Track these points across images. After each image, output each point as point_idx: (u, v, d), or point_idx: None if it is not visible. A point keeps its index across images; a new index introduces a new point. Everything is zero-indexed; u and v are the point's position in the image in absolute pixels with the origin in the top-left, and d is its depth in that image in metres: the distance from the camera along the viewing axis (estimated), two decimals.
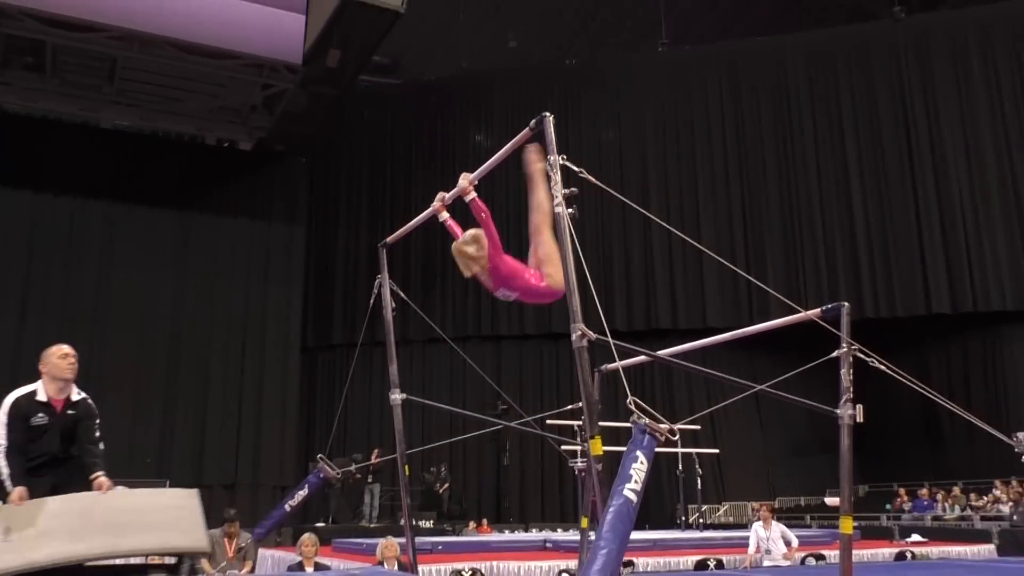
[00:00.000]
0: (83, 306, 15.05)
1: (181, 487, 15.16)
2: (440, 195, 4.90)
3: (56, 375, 4.51)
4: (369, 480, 14.14)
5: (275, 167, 17.09)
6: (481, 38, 21.09)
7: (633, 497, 2.91)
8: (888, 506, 15.35)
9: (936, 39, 16.96)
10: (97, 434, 4.60)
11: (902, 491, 15.39)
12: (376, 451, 13.27)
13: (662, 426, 3.12)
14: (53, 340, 14.80)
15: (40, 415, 4.41)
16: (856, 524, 13.31)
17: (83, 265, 15.19)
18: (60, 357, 4.55)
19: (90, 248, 15.31)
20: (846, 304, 4.40)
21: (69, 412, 4.51)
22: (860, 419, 4.36)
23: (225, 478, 15.58)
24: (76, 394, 4.60)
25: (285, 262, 16.89)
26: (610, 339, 3.50)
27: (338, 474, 6.58)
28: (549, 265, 4.45)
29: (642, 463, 2.99)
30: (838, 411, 4.30)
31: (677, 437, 3.27)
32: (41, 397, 4.48)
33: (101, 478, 4.33)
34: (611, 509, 2.88)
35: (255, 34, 13.20)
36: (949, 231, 16.07)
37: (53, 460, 4.43)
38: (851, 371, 4.34)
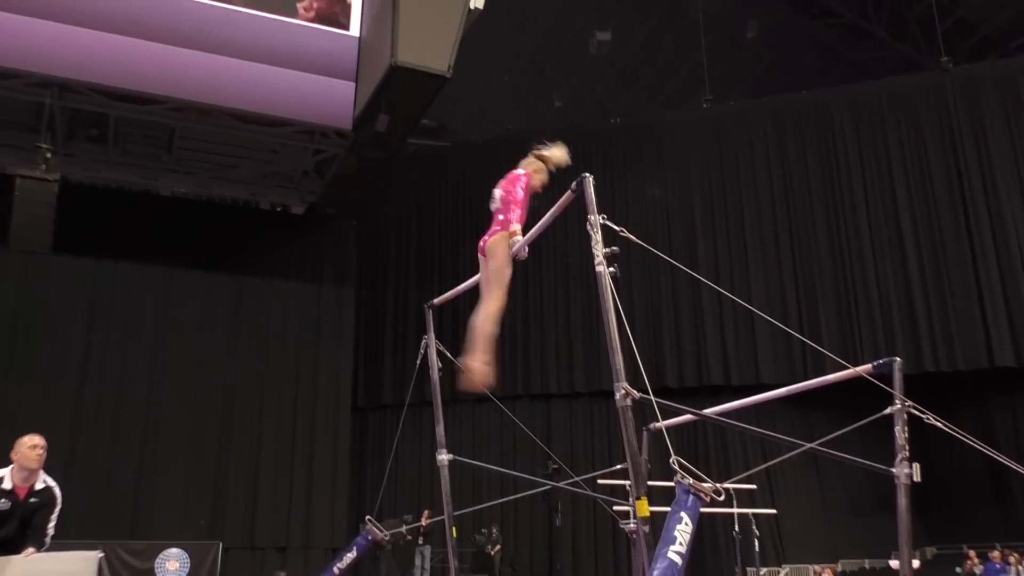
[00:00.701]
0: (140, 369, 15.38)
1: (234, 549, 15.13)
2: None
3: (24, 464, 4.81)
4: (420, 542, 14.03)
5: (326, 230, 17.44)
6: (526, 100, 21.48)
7: (678, 560, 2.85)
8: (958, 569, 14.74)
9: (985, 88, 16.78)
10: (51, 524, 4.91)
11: (972, 553, 14.76)
12: (426, 512, 13.21)
13: (706, 486, 3.06)
14: (112, 404, 15.19)
15: (3, 500, 4.60)
16: None
17: (141, 329, 15.57)
18: (30, 448, 4.88)
19: (148, 312, 15.69)
20: (898, 360, 4.30)
21: (31, 500, 4.77)
22: (918, 478, 4.25)
23: (277, 539, 15.61)
24: (41, 482, 4.88)
25: (336, 323, 17.12)
26: (652, 398, 3.47)
27: (387, 536, 6.56)
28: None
29: (687, 524, 2.94)
30: (894, 470, 4.18)
31: (723, 497, 3.21)
32: (7, 485, 4.79)
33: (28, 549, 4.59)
34: (656, 572, 2.82)
35: (307, 101, 13.60)
36: (1008, 281, 15.67)
37: (6, 541, 4.68)
38: (906, 428, 4.22)
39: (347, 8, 13.75)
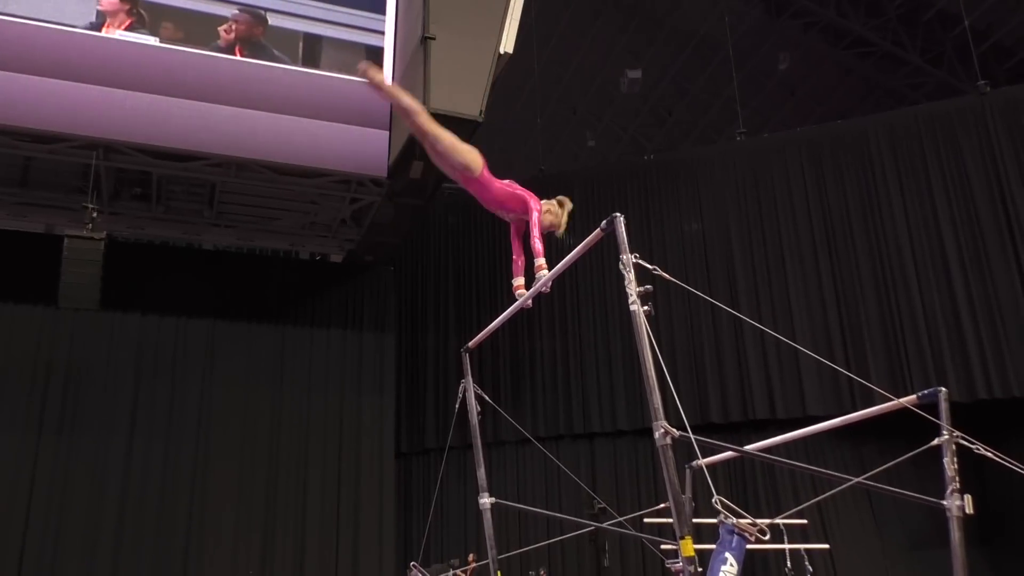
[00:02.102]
0: (187, 422, 15.59)
1: None
2: (519, 286, 5.14)
3: None
4: None
5: (364, 277, 17.64)
6: (559, 140, 21.67)
7: None
8: None
9: None
10: None
11: None
12: (472, 556, 13.11)
13: (745, 522, 3.02)
14: (161, 458, 15.51)
15: None
16: None
17: (186, 383, 15.81)
18: None
19: (193, 366, 15.94)
20: (943, 389, 4.21)
21: None
22: (970, 510, 4.12)
23: None
24: None
25: (377, 369, 17.22)
26: (692, 436, 3.44)
27: None
28: (458, 158, 5.08)
29: (732, 565, 2.89)
30: (945, 502, 4.08)
31: (768, 536, 3.15)
32: None
33: None
34: None
35: (342, 151, 13.86)
36: None
37: None
38: (955, 459, 4.13)
39: (265, 28, 13.86)
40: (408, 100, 5.23)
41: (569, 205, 5.34)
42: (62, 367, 15.10)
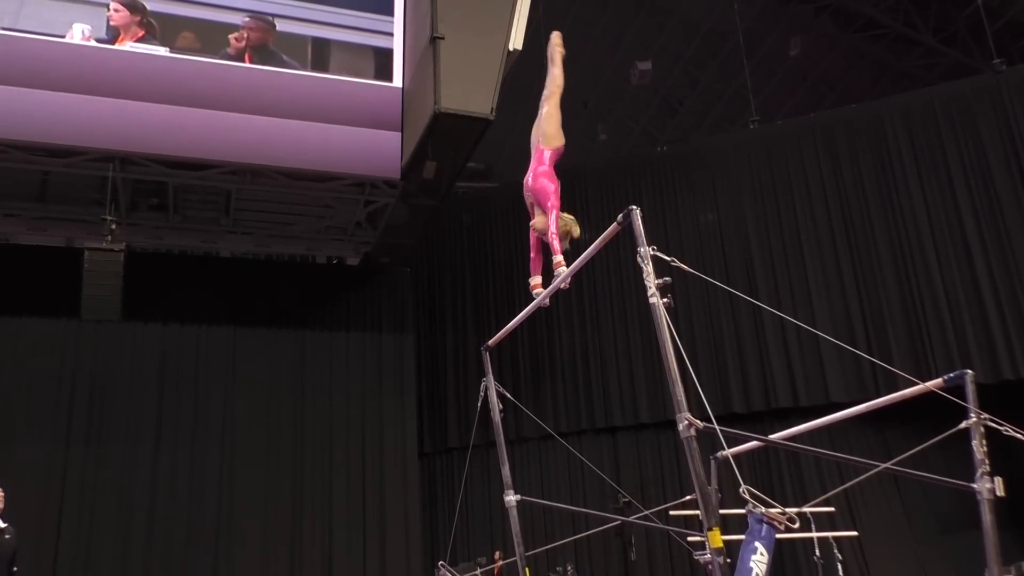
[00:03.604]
0: (212, 430, 15.68)
1: None
2: (535, 284, 5.26)
3: None
4: None
5: (381, 279, 17.68)
6: (571, 134, 21.55)
7: None
8: None
9: None
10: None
11: None
12: (498, 554, 13.13)
13: (775, 511, 3.00)
14: (187, 465, 15.63)
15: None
16: None
17: (209, 390, 15.90)
18: None
19: (216, 373, 16.03)
20: (969, 372, 4.18)
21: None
22: (1001, 492, 4.08)
23: None
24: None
25: (397, 371, 17.26)
26: (717, 426, 3.43)
27: None
28: (549, 127, 5.74)
29: (762, 555, 2.88)
30: (975, 485, 4.04)
31: (797, 524, 3.13)
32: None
33: None
34: None
35: (355, 154, 13.89)
36: None
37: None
38: (983, 442, 4.09)
39: (274, 34, 13.86)
40: (557, 71, 6.23)
41: (574, 231, 5.67)
42: (87, 379, 15.23)
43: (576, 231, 5.63)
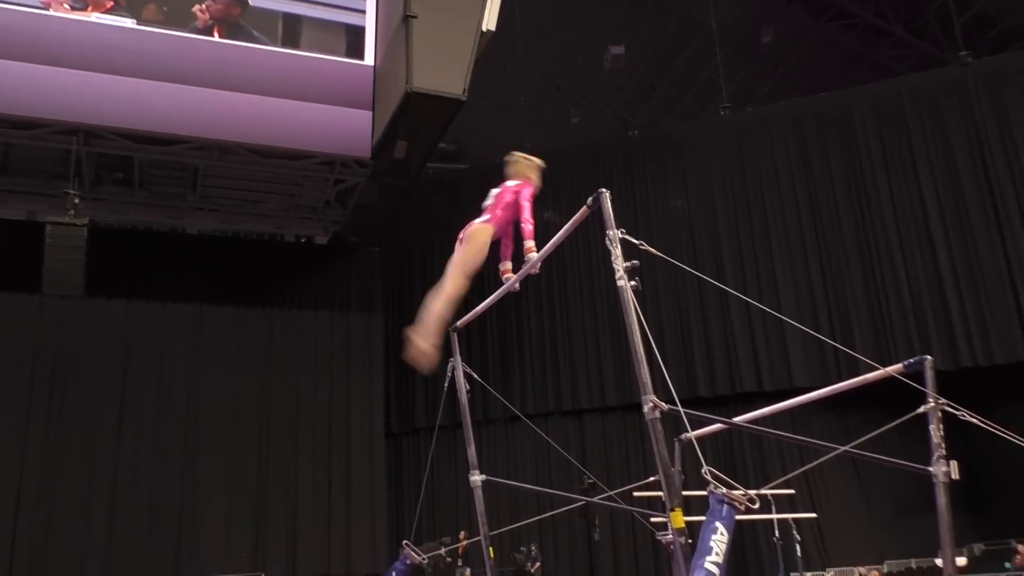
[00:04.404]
0: (176, 407, 15.57)
1: None
2: (506, 270, 5.13)
3: None
4: (460, 564, 14.01)
5: (350, 259, 17.60)
6: (544, 118, 21.58)
7: (715, 570, 2.85)
8: (1008, 564, 14.43)
9: (1008, 80, 16.57)
10: None
11: (1021, 548, 14.46)
12: (463, 533, 13.19)
13: (739, 494, 3.05)
14: (151, 442, 15.51)
15: None
16: None
17: (175, 367, 15.77)
18: None
19: (181, 350, 15.90)
20: (929, 358, 4.26)
21: None
22: (956, 476, 4.18)
23: (319, 568, 15.67)
24: None
25: (365, 350, 17.22)
26: (681, 409, 3.47)
27: (424, 559, 6.57)
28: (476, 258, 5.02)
29: (722, 534, 2.93)
30: (931, 469, 4.14)
31: (757, 505, 3.19)
32: None
33: None
34: None
35: (325, 133, 13.76)
36: None
37: None
38: (941, 426, 4.18)
39: (245, 10, 13.63)
40: (439, 308, 5.51)
41: (534, 160, 5.38)
42: (49, 354, 15.04)
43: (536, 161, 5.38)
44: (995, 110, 16.48)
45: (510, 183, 5.24)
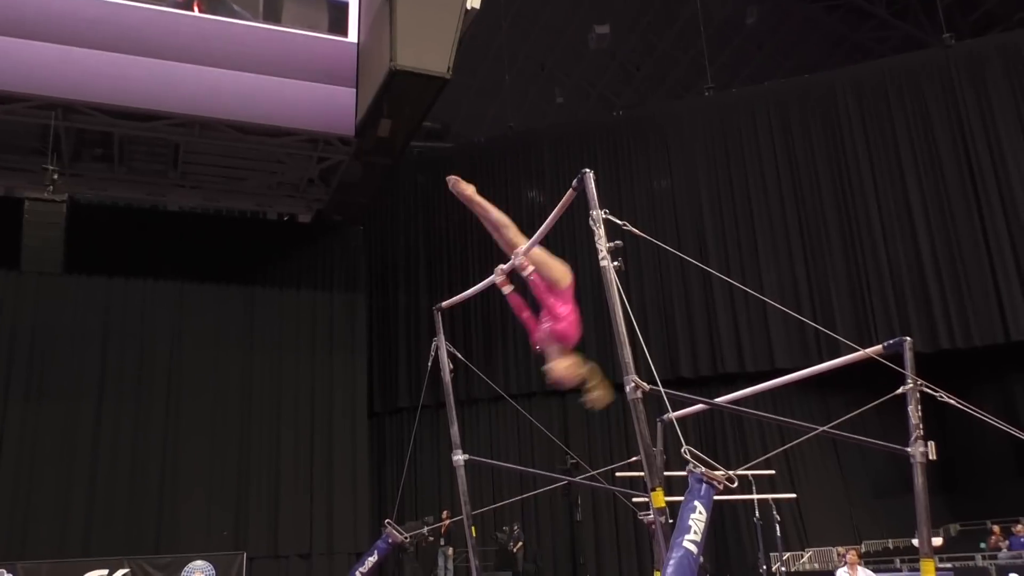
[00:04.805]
0: (157, 385, 15.49)
1: (258, 558, 15.27)
2: (499, 269, 5.02)
3: None
4: (442, 543, 14.07)
5: (334, 237, 17.51)
6: (528, 97, 21.49)
7: (694, 548, 2.87)
8: (983, 545, 14.65)
9: (990, 62, 16.65)
10: None
11: (996, 529, 14.68)
12: (445, 513, 13.24)
13: (719, 473, 3.07)
14: (131, 420, 15.36)
15: None
16: (951, 565, 12.78)
17: (156, 345, 15.66)
18: None
19: (162, 328, 15.78)
20: (908, 339, 4.29)
21: None
22: (934, 456, 4.22)
23: (301, 547, 15.70)
24: None
25: (348, 329, 17.17)
26: (662, 389, 3.48)
27: (406, 538, 6.59)
28: (554, 271, 4.70)
29: (700, 513, 2.95)
30: (909, 449, 4.17)
31: (736, 484, 3.21)
32: None
33: None
34: (671, 562, 2.84)
35: (309, 110, 13.64)
36: (1022, 254, 15.55)
37: None
38: (919, 407, 4.21)
39: None
40: (497, 214, 4.93)
41: (596, 389, 4.90)
42: (27, 332, 14.90)
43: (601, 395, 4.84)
44: (976, 92, 16.55)
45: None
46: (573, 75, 22.06)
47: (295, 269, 17.12)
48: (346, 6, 13.91)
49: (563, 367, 4.76)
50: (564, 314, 4.79)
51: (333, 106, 13.67)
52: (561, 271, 4.82)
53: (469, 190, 4.96)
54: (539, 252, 4.68)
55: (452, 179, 4.83)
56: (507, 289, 4.99)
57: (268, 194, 16.41)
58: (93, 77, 12.54)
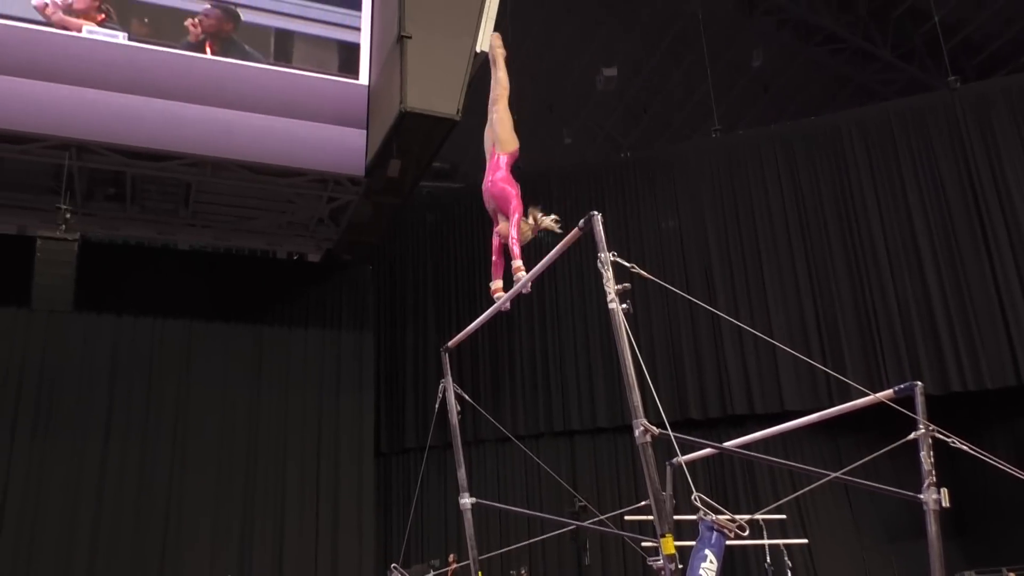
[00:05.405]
0: (164, 423, 15.45)
1: None
2: (496, 289, 5.16)
3: None
4: None
5: (342, 276, 17.56)
6: (536, 137, 21.62)
7: None
8: None
9: (996, 104, 16.73)
10: None
11: (1011, 575, 14.44)
12: (452, 556, 13.09)
13: (724, 519, 3.03)
14: (137, 458, 15.33)
15: None
16: None
17: (163, 383, 15.66)
18: None
19: (169, 367, 15.79)
20: (919, 384, 4.26)
21: None
22: (947, 503, 4.17)
23: None
24: None
25: (356, 369, 17.14)
26: (671, 433, 3.45)
27: None
28: (503, 132, 5.62)
29: (711, 563, 2.91)
30: (922, 496, 4.12)
31: (747, 532, 3.17)
32: None
33: None
34: None
35: (319, 150, 13.77)
36: None
37: None
38: (931, 453, 4.17)
39: (237, 25, 13.68)
40: (504, 77, 6.03)
41: (544, 220, 5.39)
42: (36, 369, 14.90)
43: (545, 223, 5.46)
44: (983, 135, 16.61)
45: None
46: (581, 116, 22.25)
47: (304, 308, 17.15)
48: (356, 46, 14.11)
49: (523, 226, 5.33)
50: (510, 182, 5.56)
51: (343, 147, 13.81)
52: (508, 137, 5.82)
53: (502, 49, 6.21)
54: (505, 117, 5.55)
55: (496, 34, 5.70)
56: (498, 295, 5.23)
57: (278, 233, 16.51)
58: (107, 118, 12.70)
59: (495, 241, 5.37)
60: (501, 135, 5.52)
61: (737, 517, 3.11)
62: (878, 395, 4.38)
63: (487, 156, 5.62)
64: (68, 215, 12.77)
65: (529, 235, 5.31)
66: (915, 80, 19.37)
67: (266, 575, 15.32)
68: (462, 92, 12.56)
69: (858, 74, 20.37)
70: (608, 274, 3.78)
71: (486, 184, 5.50)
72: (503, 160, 5.42)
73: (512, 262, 4.95)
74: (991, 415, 15.87)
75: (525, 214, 5.27)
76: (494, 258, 5.31)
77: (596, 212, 3.98)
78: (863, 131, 17.57)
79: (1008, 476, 4.50)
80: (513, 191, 5.31)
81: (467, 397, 5.80)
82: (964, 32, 18.47)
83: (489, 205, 5.45)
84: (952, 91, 17.05)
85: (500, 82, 5.92)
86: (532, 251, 5.01)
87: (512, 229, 5.05)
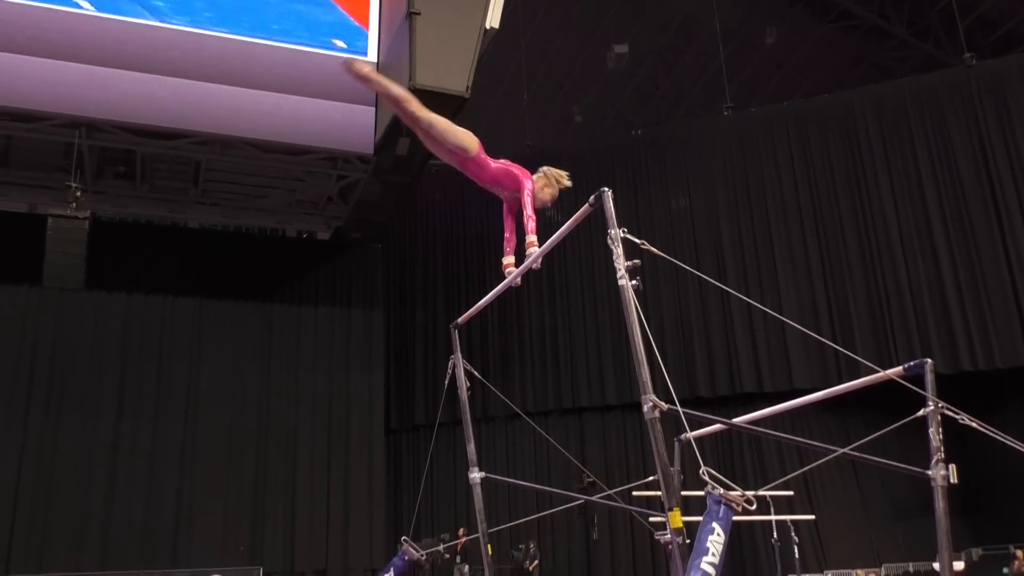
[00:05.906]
0: (175, 400, 15.56)
1: (274, 574, 15.23)
2: (508, 264, 5.08)
3: None
4: (458, 561, 14.01)
5: (352, 254, 17.60)
6: (546, 116, 21.55)
7: (712, 571, 2.85)
8: (1005, 569, 14.43)
9: (1011, 82, 16.55)
10: None
11: (1019, 553, 14.46)
12: (462, 530, 13.19)
13: (736, 495, 3.05)
14: (149, 436, 15.41)
15: None
16: None
17: (174, 361, 15.76)
18: None
19: (180, 344, 15.88)
20: (929, 361, 4.24)
21: None
22: (955, 480, 4.17)
23: (316, 563, 15.68)
24: None
25: (365, 347, 17.21)
26: (680, 409, 3.46)
27: (422, 555, 6.58)
28: (456, 138, 5.01)
29: (719, 535, 2.93)
30: (929, 472, 4.13)
31: (755, 506, 3.19)
32: None
33: None
34: None
35: (328, 128, 13.77)
36: None
37: None
38: (940, 430, 4.16)
39: None
40: (397, 89, 5.06)
41: (559, 176, 5.24)
42: (48, 347, 15.03)
43: (564, 181, 5.31)
44: (997, 112, 16.45)
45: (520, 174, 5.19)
46: (592, 94, 22.13)
47: (313, 286, 17.21)
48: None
49: (542, 187, 5.17)
50: (502, 166, 5.23)
51: (352, 125, 13.79)
52: (466, 137, 5.13)
53: (365, 68, 5.14)
54: (442, 121, 4.98)
55: (346, 59, 5.03)
56: (509, 270, 5.10)
57: (287, 212, 16.54)
58: (117, 96, 12.72)
59: (507, 219, 5.29)
60: (460, 143, 5.05)
61: (745, 492, 3.12)
62: (887, 372, 4.36)
63: (458, 168, 5.17)
64: (78, 193, 12.84)
65: (548, 198, 5.16)
66: (930, 57, 19.17)
67: (278, 551, 15.48)
68: (472, 69, 12.50)
69: (872, 52, 20.18)
70: (618, 250, 3.77)
71: (485, 183, 5.23)
72: (481, 158, 5.09)
73: (526, 236, 4.88)
74: (1003, 394, 15.84)
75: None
76: (507, 234, 5.24)
77: (606, 188, 3.97)
78: (877, 109, 17.42)
79: (1017, 455, 4.49)
80: (514, 169, 5.19)
81: (476, 374, 5.82)
82: (980, 10, 18.25)
83: (501, 194, 5.28)
84: (967, 68, 16.86)
85: (399, 97, 4.99)
86: (542, 228, 4.98)
87: (527, 205, 4.97)
